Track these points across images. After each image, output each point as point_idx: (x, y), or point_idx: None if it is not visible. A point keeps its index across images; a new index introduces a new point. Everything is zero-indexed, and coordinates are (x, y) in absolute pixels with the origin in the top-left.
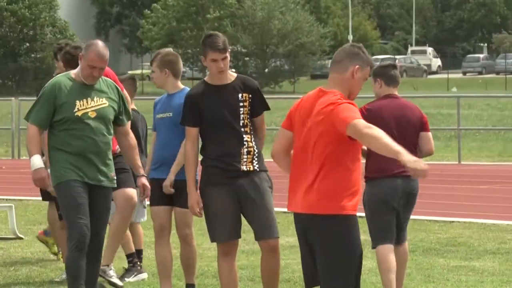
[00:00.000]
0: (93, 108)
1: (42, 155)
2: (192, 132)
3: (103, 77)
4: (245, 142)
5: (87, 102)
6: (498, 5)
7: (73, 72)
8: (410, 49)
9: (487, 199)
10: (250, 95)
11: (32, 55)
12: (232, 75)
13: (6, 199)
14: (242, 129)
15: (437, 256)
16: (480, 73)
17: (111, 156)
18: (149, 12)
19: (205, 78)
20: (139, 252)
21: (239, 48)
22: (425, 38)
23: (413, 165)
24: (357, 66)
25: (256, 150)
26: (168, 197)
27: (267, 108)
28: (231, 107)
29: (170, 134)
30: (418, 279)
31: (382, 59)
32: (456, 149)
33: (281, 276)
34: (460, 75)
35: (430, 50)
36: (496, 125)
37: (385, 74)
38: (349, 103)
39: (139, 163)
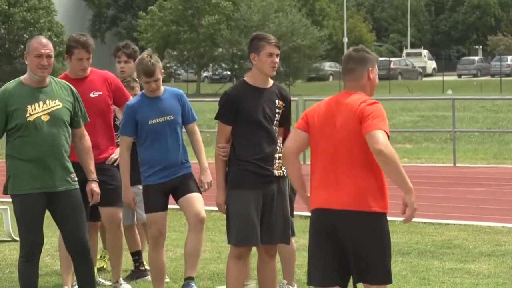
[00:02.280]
0: (45, 112)
1: None
2: (226, 129)
3: (55, 78)
4: (278, 147)
5: (38, 106)
6: (493, 7)
7: (23, 77)
8: (405, 51)
9: (483, 201)
10: (284, 104)
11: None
12: (270, 80)
13: (1, 201)
14: (276, 134)
15: (432, 258)
16: (475, 75)
17: (68, 157)
18: (144, 14)
19: (246, 79)
20: (138, 254)
21: (235, 51)
22: (420, 41)
23: (415, 209)
24: (370, 68)
25: None
26: (165, 202)
27: (289, 123)
28: (269, 111)
29: (173, 137)
30: (413, 281)
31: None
32: (451, 152)
33: (277, 278)
34: (455, 78)
35: (425, 52)
36: (491, 128)
37: None
38: (377, 104)
39: (92, 167)
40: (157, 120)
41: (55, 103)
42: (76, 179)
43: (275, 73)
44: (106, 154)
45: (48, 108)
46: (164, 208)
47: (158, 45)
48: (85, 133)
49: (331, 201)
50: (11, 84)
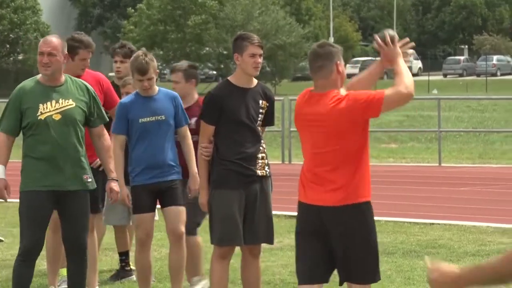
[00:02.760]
0: (57, 110)
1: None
2: (209, 129)
3: (72, 77)
4: (261, 147)
5: (50, 105)
6: (479, 7)
7: (39, 76)
8: None
9: (468, 201)
10: (268, 104)
11: (11, 58)
12: (254, 80)
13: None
14: (259, 134)
15: (417, 258)
16: (460, 75)
17: (83, 157)
18: (132, 11)
19: (229, 78)
20: (125, 254)
21: (221, 50)
22: None
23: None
24: (337, 62)
25: (267, 155)
26: (152, 203)
27: (273, 123)
28: (253, 111)
29: (162, 138)
30: (398, 281)
31: (363, 61)
32: (437, 151)
33: (261, 278)
34: (440, 77)
35: (411, 52)
36: (477, 127)
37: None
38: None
39: (111, 166)
40: (148, 119)
41: (68, 102)
42: (90, 180)
43: (258, 73)
44: (92, 158)
45: (61, 107)
46: (152, 209)
47: (145, 43)
48: (104, 132)
49: (319, 199)
50: (27, 82)
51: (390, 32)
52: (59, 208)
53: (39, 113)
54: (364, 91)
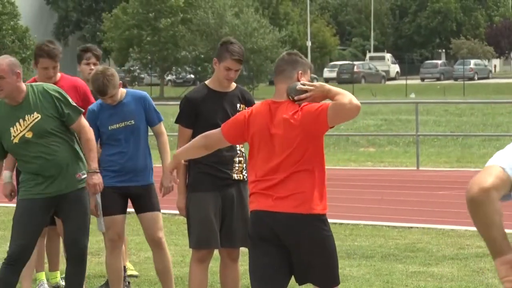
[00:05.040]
0: (27, 128)
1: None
2: (186, 133)
3: (33, 85)
4: (238, 151)
5: (19, 125)
6: (454, 12)
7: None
8: (368, 55)
9: (446, 204)
10: (246, 108)
11: None
12: (233, 83)
13: None
14: None
15: (395, 261)
16: (438, 79)
17: (75, 156)
18: (109, 15)
19: (207, 82)
20: None
21: (198, 54)
22: (383, 45)
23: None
24: (300, 72)
25: (245, 159)
26: (123, 205)
27: None
28: (229, 115)
29: (134, 143)
30: (377, 284)
31: (341, 65)
32: (415, 155)
33: (240, 282)
34: (418, 81)
35: (388, 56)
36: (455, 131)
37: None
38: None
39: (92, 159)
40: (117, 126)
41: (33, 116)
42: (82, 177)
43: (230, 84)
44: None
45: (29, 124)
46: (122, 211)
47: (121, 46)
48: (82, 124)
49: (273, 205)
50: None
51: (299, 84)
52: (58, 210)
53: (12, 137)
54: (318, 103)
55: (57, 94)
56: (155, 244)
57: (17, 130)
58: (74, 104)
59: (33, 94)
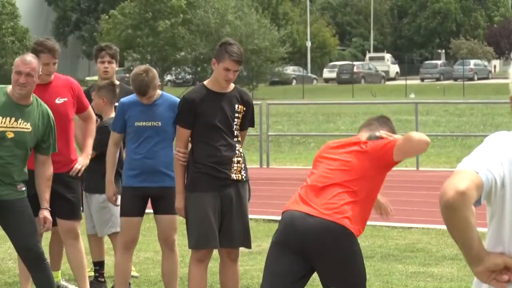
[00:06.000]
0: (12, 129)
1: None
2: (184, 133)
3: (39, 100)
4: (237, 151)
5: (9, 121)
6: (454, 13)
7: (9, 88)
8: (368, 55)
9: None
10: (245, 108)
11: None
12: (231, 84)
13: None
14: (235, 139)
15: (395, 262)
16: (438, 79)
17: (18, 176)
18: (107, 17)
19: (205, 82)
20: (100, 264)
21: (198, 54)
22: (383, 45)
23: None
24: (384, 131)
25: (244, 160)
26: (141, 207)
27: (253, 125)
28: (227, 116)
29: (156, 143)
30: (377, 285)
31: (340, 66)
32: (414, 155)
33: (240, 282)
34: (418, 81)
35: (388, 56)
36: (454, 131)
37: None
38: None
39: (47, 196)
40: (143, 123)
41: (25, 125)
42: (23, 189)
43: (228, 85)
44: (68, 165)
45: (17, 127)
46: (140, 214)
47: (120, 47)
48: (50, 161)
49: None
50: None
51: (380, 133)
52: (1, 221)
53: None
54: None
55: (52, 124)
56: (168, 246)
57: (4, 123)
58: (56, 141)
59: (36, 106)
